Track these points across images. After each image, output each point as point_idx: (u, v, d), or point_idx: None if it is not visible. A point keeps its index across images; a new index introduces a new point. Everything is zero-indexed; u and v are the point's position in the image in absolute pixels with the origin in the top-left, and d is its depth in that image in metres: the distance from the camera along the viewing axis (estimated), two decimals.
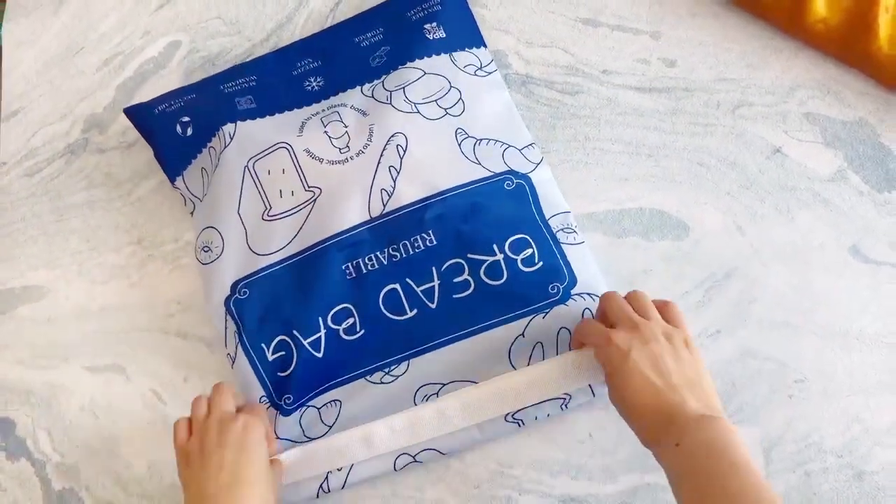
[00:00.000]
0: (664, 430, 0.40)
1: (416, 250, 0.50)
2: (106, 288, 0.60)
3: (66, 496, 0.55)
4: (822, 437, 0.49)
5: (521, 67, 0.59)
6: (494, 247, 0.49)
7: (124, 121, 0.60)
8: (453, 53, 0.56)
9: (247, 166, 0.54)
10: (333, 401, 0.50)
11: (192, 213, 0.57)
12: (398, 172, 0.51)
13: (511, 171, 0.52)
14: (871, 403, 0.49)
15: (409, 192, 0.51)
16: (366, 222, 0.51)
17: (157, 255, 0.59)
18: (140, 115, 0.59)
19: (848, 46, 0.53)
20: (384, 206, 0.51)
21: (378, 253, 0.51)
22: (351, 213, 0.51)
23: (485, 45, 0.58)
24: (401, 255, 0.51)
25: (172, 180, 0.58)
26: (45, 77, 0.67)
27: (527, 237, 0.50)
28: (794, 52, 0.56)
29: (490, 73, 0.57)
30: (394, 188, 0.51)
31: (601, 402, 0.52)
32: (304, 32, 0.63)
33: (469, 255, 0.50)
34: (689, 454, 0.39)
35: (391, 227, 0.51)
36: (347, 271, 0.51)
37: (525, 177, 0.52)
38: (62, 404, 0.57)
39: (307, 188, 0.52)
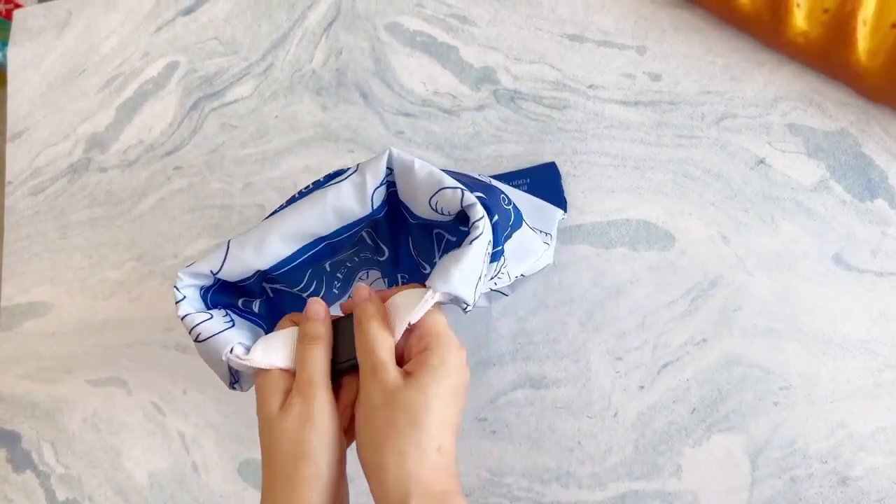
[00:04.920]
0: None
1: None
2: (107, 303, 0.61)
3: None
4: (807, 442, 0.50)
5: (510, 83, 0.60)
6: None
7: (125, 140, 0.62)
8: None
9: None
10: None
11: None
12: None
13: None
14: (854, 409, 0.50)
15: None
16: None
17: (157, 271, 0.61)
18: None
19: (828, 59, 0.54)
20: None
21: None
22: None
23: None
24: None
25: None
26: (48, 98, 0.69)
27: None
28: (777, 65, 0.57)
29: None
30: None
31: (590, 411, 0.53)
32: (298, 51, 0.65)
33: None
34: None
35: None
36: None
37: None
38: (65, 417, 0.59)
39: None
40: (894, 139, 0.54)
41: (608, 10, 0.61)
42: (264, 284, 0.46)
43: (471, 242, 0.39)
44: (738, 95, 0.57)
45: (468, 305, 0.40)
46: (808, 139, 0.55)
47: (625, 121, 0.58)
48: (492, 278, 0.44)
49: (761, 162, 0.55)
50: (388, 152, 0.42)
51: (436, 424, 0.35)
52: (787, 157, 0.55)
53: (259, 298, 0.48)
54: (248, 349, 0.41)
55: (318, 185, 0.45)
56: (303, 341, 0.39)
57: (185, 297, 0.42)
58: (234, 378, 0.43)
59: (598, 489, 0.51)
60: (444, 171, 0.43)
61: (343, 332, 0.41)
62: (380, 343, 0.37)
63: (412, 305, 0.39)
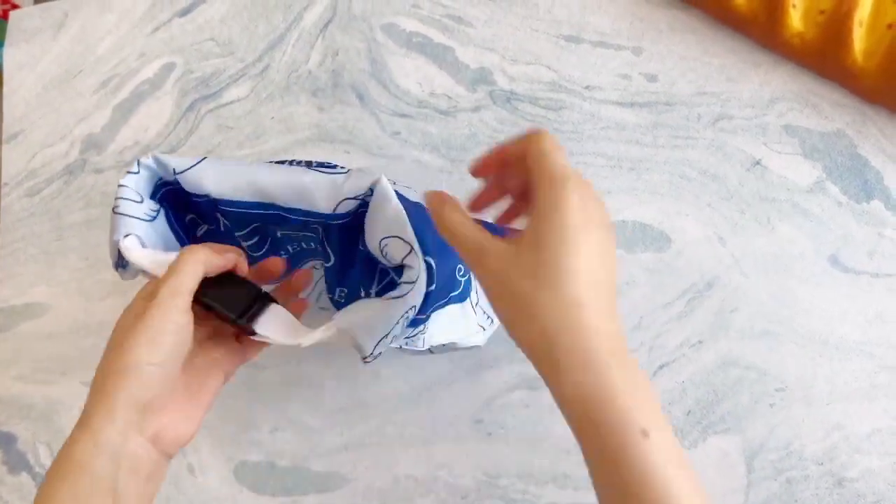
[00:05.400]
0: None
1: None
2: (103, 304, 0.61)
3: None
4: (803, 444, 0.50)
5: (506, 84, 0.60)
6: None
7: (121, 141, 0.62)
8: None
9: None
10: None
11: None
12: None
13: None
14: (850, 411, 0.50)
15: None
16: None
17: None
18: None
19: (824, 59, 0.54)
20: None
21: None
22: None
23: None
24: None
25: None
26: (44, 99, 0.69)
27: None
28: (773, 66, 0.57)
29: None
30: None
31: None
32: (294, 52, 0.65)
33: None
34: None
35: None
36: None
37: None
38: (61, 418, 0.59)
39: None
40: (890, 140, 0.54)
41: (604, 10, 0.60)
42: (217, 214, 0.46)
43: (393, 299, 0.40)
44: (735, 96, 0.57)
45: (366, 356, 0.40)
46: (804, 140, 0.55)
47: (621, 122, 0.58)
48: (407, 338, 0.44)
49: (757, 163, 0.55)
50: (379, 178, 0.42)
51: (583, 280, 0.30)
52: (783, 159, 0.55)
53: (208, 226, 0.48)
54: (142, 245, 0.42)
55: (309, 164, 0.45)
56: (191, 251, 0.38)
57: (138, 171, 0.44)
58: (121, 262, 0.43)
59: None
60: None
61: (239, 289, 0.41)
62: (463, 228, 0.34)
63: (308, 333, 0.40)
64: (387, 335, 0.40)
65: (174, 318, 0.36)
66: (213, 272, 0.39)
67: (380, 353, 0.40)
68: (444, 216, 0.35)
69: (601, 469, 0.29)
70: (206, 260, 0.38)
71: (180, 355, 0.36)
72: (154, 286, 0.37)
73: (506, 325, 0.32)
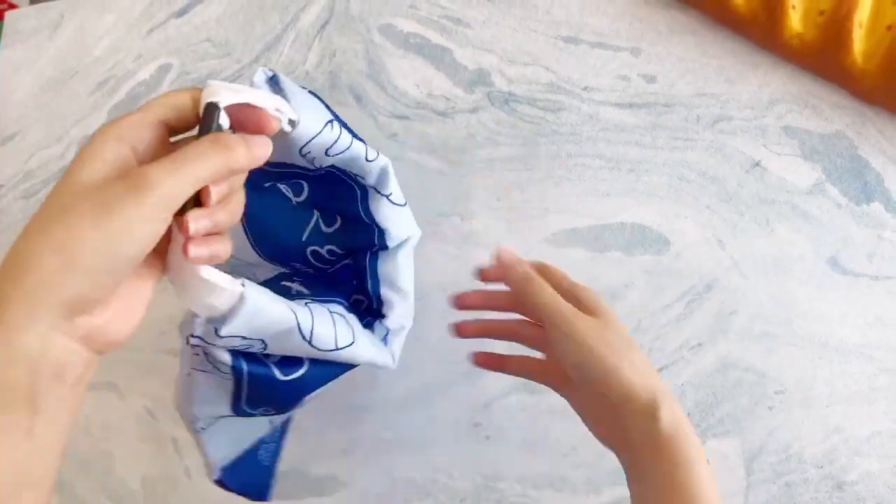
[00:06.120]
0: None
1: None
2: None
3: None
4: (803, 447, 0.49)
5: (504, 85, 0.60)
6: None
7: None
8: None
9: None
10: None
11: None
12: None
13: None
14: (850, 413, 0.50)
15: None
16: None
17: None
18: None
19: (824, 61, 0.54)
20: None
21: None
22: None
23: None
24: None
25: None
26: (40, 101, 0.68)
27: None
28: (772, 67, 0.57)
29: None
30: None
31: None
32: (291, 53, 0.64)
33: None
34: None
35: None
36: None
37: None
38: None
39: None
40: (890, 141, 0.54)
41: (603, 11, 0.60)
42: None
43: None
44: (734, 98, 0.57)
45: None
46: (803, 142, 0.55)
47: (619, 123, 0.58)
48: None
49: (757, 165, 0.55)
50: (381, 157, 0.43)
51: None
52: (782, 160, 0.55)
53: None
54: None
55: (337, 118, 0.42)
56: (214, 142, 0.31)
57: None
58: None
59: (593, 494, 0.51)
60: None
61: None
62: (557, 298, 0.40)
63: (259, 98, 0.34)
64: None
65: (155, 228, 0.29)
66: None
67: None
68: (537, 295, 0.40)
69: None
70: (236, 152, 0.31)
71: (139, 259, 0.29)
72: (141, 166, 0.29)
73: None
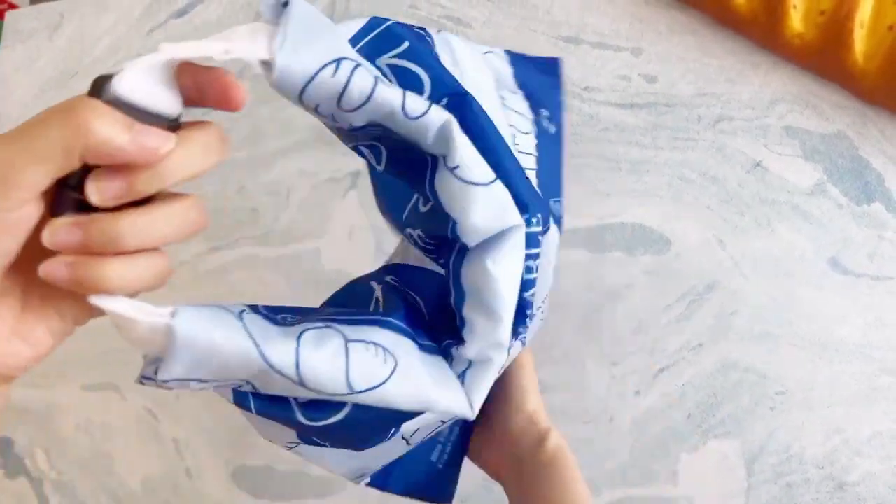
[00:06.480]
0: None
1: None
2: None
3: None
4: (804, 448, 0.49)
5: None
6: None
7: None
8: None
9: None
10: None
11: None
12: None
13: None
14: (851, 414, 0.49)
15: None
16: None
17: None
18: None
19: (825, 61, 0.54)
20: None
21: None
22: None
23: None
24: None
25: None
26: (41, 101, 0.68)
27: None
28: (773, 67, 0.57)
29: None
30: None
31: (585, 417, 0.52)
32: None
33: None
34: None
35: None
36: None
37: None
38: (59, 423, 0.59)
39: None
40: (891, 141, 0.54)
41: (603, 11, 0.60)
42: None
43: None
44: (735, 98, 0.57)
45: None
46: (804, 142, 0.55)
47: (620, 123, 0.58)
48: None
49: (758, 165, 0.55)
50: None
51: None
52: (783, 160, 0.55)
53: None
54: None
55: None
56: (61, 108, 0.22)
57: None
58: None
59: (594, 495, 0.50)
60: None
61: None
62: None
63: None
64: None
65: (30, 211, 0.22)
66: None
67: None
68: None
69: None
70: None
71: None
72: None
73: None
